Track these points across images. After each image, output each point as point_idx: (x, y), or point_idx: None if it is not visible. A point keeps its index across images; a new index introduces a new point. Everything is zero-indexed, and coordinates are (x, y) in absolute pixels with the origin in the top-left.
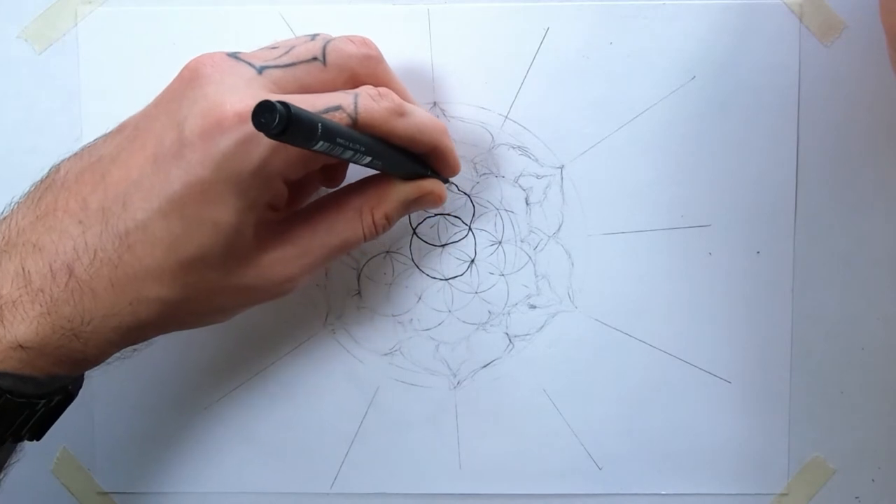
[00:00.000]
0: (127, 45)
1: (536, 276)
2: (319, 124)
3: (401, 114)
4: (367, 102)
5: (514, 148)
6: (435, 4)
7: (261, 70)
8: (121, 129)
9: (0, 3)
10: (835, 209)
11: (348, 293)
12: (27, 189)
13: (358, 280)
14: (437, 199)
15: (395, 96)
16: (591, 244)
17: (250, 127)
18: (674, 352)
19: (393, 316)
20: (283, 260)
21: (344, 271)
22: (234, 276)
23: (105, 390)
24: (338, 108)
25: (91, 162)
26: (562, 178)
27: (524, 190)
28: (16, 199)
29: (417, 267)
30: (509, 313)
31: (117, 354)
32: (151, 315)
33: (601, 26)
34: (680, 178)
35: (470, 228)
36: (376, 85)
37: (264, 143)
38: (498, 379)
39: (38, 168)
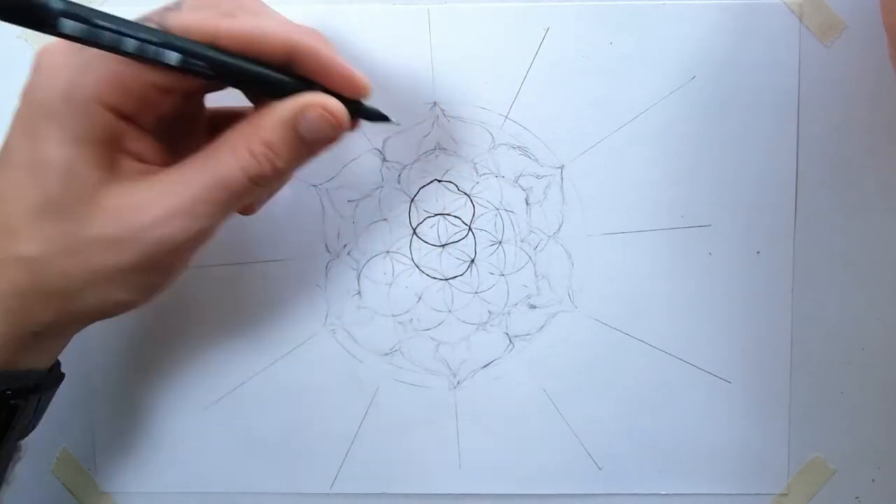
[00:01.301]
0: None
1: (536, 276)
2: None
3: (228, 15)
4: (180, 12)
5: (514, 148)
6: (435, 4)
7: None
8: None
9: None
10: (835, 209)
11: (348, 293)
12: None
13: (358, 280)
14: (326, 115)
15: (225, 2)
16: (591, 244)
17: (48, 54)
18: (674, 352)
19: (393, 316)
20: (146, 203)
21: (344, 271)
22: (92, 225)
23: (105, 390)
24: (144, 19)
25: None
26: (562, 178)
27: (524, 190)
28: None
29: (417, 267)
30: (509, 313)
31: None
32: (20, 278)
33: (601, 26)
34: (680, 178)
35: (470, 228)
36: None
37: (59, 66)
38: (498, 379)
39: None
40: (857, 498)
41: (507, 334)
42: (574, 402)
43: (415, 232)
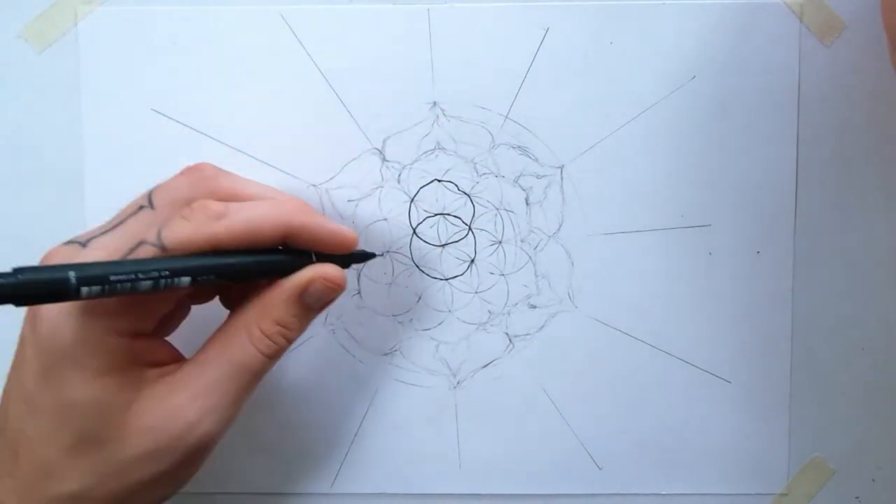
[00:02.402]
0: (127, 45)
1: (536, 276)
2: (71, 273)
3: (218, 217)
4: (173, 225)
5: (514, 148)
6: (435, 4)
7: (85, 243)
8: None
9: (0, 4)
10: (835, 209)
11: (348, 293)
12: None
13: (358, 280)
14: (329, 284)
15: (211, 204)
16: (591, 244)
17: (50, 304)
18: (674, 352)
19: (393, 316)
20: (176, 410)
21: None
22: (129, 446)
23: None
24: (140, 243)
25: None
26: (562, 178)
27: (524, 190)
28: None
29: (417, 267)
30: (509, 313)
31: None
32: None
33: (601, 26)
34: (680, 178)
35: (470, 228)
36: (225, 200)
37: (66, 312)
38: (498, 379)
39: (38, 168)
40: (857, 498)
41: (507, 334)
42: (574, 402)
43: (415, 232)
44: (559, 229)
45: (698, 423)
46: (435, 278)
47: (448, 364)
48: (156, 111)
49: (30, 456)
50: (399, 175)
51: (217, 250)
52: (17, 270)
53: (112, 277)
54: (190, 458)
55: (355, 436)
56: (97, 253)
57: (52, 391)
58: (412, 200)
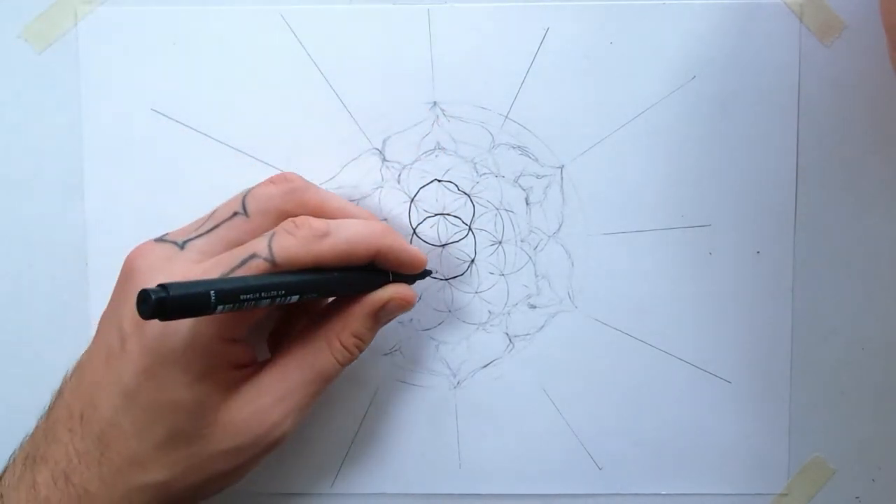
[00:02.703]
0: (127, 45)
1: (536, 276)
2: (211, 292)
3: (322, 236)
4: (282, 240)
5: (514, 148)
6: (435, 4)
7: (183, 245)
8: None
9: (0, 4)
10: (835, 209)
11: None
12: (48, 401)
13: None
14: (403, 303)
15: (313, 221)
16: (591, 244)
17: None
18: (674, 352)
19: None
20: (261, 412)
21: None
22: (213, 443)
23: None
24: (252, 256)
25: (75, 370)
26: (562, 178)
27: (524, 190)
28: (40, 414)
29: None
30: (509, 313)
31: None
32: (148, 500)
33: (601, 26)
34: (680, 178)
35: (470, 228)
36: (311, 213)
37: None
38: (498, 379)
39: (38, 168)
40: (857, 498)
41: (507, 334)
42: (574, 402)
43: (415, 232)
44: (559, 229)
45: (698, 423)
46: (435, 278)
47: (448, 364)
48: (156, 111)
49: (120, 447)
50: (399, 175)
51: (317, 267)
52: (163, 287)
53: (242, 297)
54: (264, 453)
55: (355, 436)
56: (194, 256)
57: (153, 389)
58: (412, 200)
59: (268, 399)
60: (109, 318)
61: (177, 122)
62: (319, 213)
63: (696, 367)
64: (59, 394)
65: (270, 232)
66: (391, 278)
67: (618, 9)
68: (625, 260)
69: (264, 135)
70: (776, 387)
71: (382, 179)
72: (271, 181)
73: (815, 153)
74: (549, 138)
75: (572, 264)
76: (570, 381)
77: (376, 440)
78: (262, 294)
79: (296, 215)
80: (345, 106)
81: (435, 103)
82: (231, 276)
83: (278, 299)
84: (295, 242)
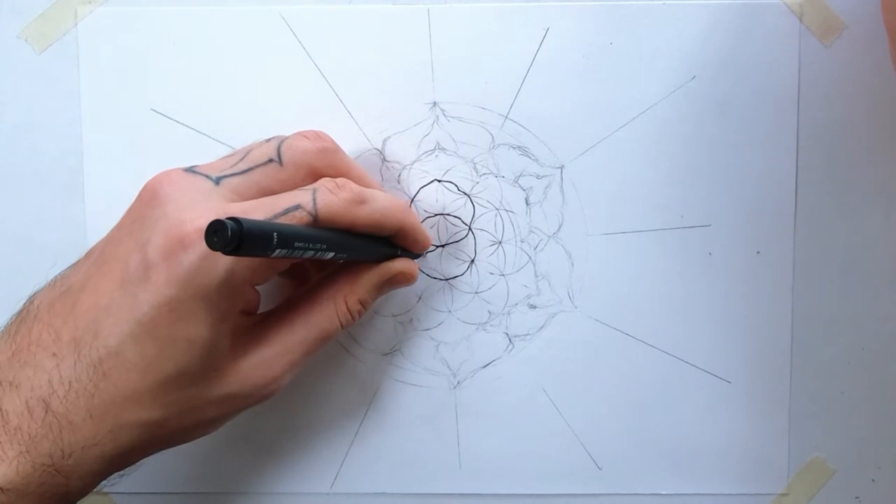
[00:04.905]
0: (127, 45)
1: (536, 276)
2: (274, 234)
3: (361, 202)
4: (325, 197)
5: (514, 148)
6: (435, 4)
7: (218, 180)
8: (88, 255)
9: (0, 4)
10: (835, 209)
11: None
12: (5, 322)
13: None
14: (408, 278)
15: (353, 185)
16: (591, 244)
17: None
18: (674, 352)
19: (393, 316)
20: (264, 363)
21: None
22: (215, 387)
23: None
24: (297, 207)
25: (62, 292)
26: (562, 178)
27: (524, 190)
28: None
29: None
30: (509, 313)
31: (103, 482)
32: (134, 439)
33: (601, 26)
34: (680, 178)
35: (470, 228)
36: (335, 175)
37: (218, 256)
38: (498, 379)
39: (38, 168)
40: (857, 498)
41: (507, 334)
42: (574, 402)
43: None
44: (559, 229)
45: (698, 423)
46: (435, 278)
47: (448, 364)
48: (155, 111)
49: (119, 379)
50: (399, 175)
51: (348, 230)
52: (236, 221)
53: (296, 244)
54: (251, 405)
55: (355, 436)
56: (228, 195)
57: (172, 323)
58: (412, 200)
59: (272, 351)
60: (123, 240)
61: (177, 122)
62: (344, 176)
63: (696, 367)
64: (31, 315)
65: (311, 187)
66: (399, 253)
67: (618, 9)
68: (625, 260)
69: (264, 135)
70: (776, 387)
71: (382, 179)
72: (304, 136)
73: (815, 153)
74: (549, 138)
75: (572, 264)
76: (569, 381)
77: (376, 440)
78: (310, 245)
79: (324, 174)
80: (344, 106)
81: (435, 103)
82: (274, 222)
83: (318, 253)
84: (338, 202)
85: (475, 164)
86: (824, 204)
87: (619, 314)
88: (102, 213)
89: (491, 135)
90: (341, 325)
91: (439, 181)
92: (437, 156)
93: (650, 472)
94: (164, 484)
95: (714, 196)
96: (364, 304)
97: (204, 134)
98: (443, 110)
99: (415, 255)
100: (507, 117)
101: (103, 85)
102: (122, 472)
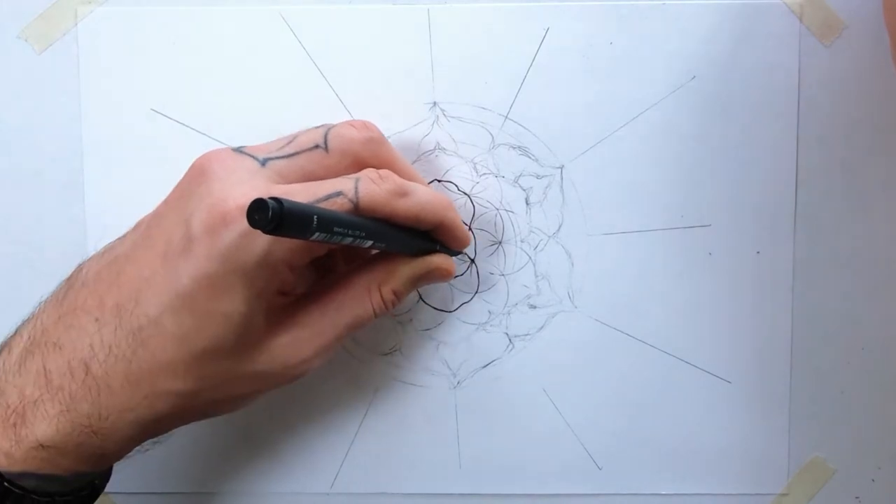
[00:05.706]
0: (127, 45)
1: (536, 276)
2: (315, 216)
3: (402, 194)
4: (367, 186)
5: (514, 148)
6: (435, 4)
7: (264, 162)
8: (136, 227)
9: (0, 4)
10: (835, 209)
11: None
12: (54, 288)
13: None
14: (446, 274)
15: (396, 178)
16: (591, 244)
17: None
18: (674, 352)
19: (393, 316)
20: (296, 343)
21: None
22: (247, 363)
23: None
24: (339, 193)
25: (108, 261)
26: (562, 178)
27: (524, 190)
28: (44, 298)
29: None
30: (509, 313)
31: (137, 448)
32: (167, 408)
33: (601, 26)
34: (680, 178)
35: (470, 228)
36: (379, 167)
37: (259, 234)
38: (498, 379)
39: (38, 168)
40: (857, 498)
41: (507, 334)
42: (574, 402)
43: None
44: (559, 229)
45: (698, 423)
46: None
47: (448, 364)
48: (155, 111)
49: (156, 348)
50: None
51: (388, 221)
52: (277, 201)
53: (336, 229)
54: (280, 385)
55: (355, 436)
56: (274, 177)
57: (210, 297)
58: None
59: (304, 332)
60: (168, 214)
61: (176, 122)
62: (389, 168)
63: (696, 367)
64: (78, 281)
65: (355, 176)
66: (438, 248)
67: (618, 9)
68: (625, 260)
69: (264, 135)
70: (776, 387)
71: None
72: (352, 125)
73: (815, 153)
74: (549, 138)
75: (572, 264)
76: (570, 381)
77: (376, 440)
78: (349, 231)
79: (369, 164)
80: (344, 106)
81: (435, 103)
82: (315, 206)
83: (357, 240)
84: (379, 192)
85: (475, 164)
86: (824, 204)
87: (619, 314)
88: (102, 213)
89: (491, 135)
90: (374, 314)
91: (439, 181)
92: (436, 156)
93: (650, 472)
94: (164, 484)
95: (714, 196)
96: (398, 296)
97: (204, 134)
98: (443, 110)
99: (453, 252)
100: (507, 117)
101: (103, 85)
102: (156, 440)
